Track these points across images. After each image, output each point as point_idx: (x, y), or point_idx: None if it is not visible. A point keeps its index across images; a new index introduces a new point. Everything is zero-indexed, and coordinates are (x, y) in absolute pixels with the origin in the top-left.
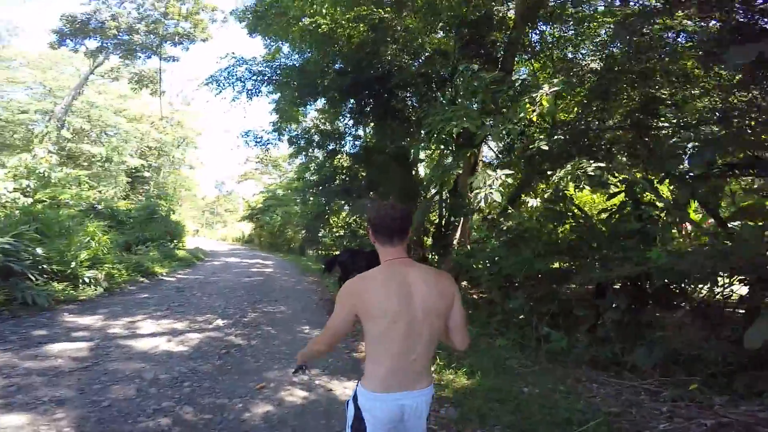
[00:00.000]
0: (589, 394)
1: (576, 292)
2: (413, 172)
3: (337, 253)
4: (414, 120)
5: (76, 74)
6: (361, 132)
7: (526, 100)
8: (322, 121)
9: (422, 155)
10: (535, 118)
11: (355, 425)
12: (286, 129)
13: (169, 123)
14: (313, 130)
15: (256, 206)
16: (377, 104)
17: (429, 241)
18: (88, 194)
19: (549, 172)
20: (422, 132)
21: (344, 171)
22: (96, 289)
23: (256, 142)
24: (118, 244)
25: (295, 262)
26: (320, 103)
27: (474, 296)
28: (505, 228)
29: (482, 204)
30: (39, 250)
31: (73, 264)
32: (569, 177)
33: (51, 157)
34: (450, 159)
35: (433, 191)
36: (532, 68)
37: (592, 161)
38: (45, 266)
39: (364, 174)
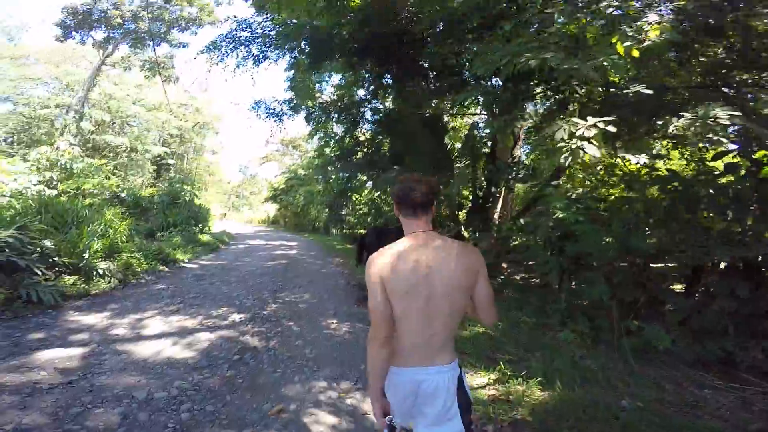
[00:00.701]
0: (711, 406)
1: (657, 276)
2: (445, 140)
3: (363, 232)
4: (447, 75)
5: (90, 67)
6: (382, 98)
7: (628, 30)
8: (340, 94)
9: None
10: (636, 53)
11: None
12: (303, 107)
13: (187, 110)
14: (330, 107)
15: (278, 187)
16: (401, 61)
17: (464, 215)
18: (111, 183)
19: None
20: (461, 87)
21: (366, 144)
22: (110, 282)
23: (268, 113)
24: (140, 231)
25: (321, 242)
26: (336, 78)
27: (518, 279)
28: (588, 196)
29: (568, 162)
30: (47, 243)
31: (86, 255)
32: (696, 127)
33: (73, 148)
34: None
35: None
36: None
37: (725, 106)
38: (56, 259)
39: (387, 145)
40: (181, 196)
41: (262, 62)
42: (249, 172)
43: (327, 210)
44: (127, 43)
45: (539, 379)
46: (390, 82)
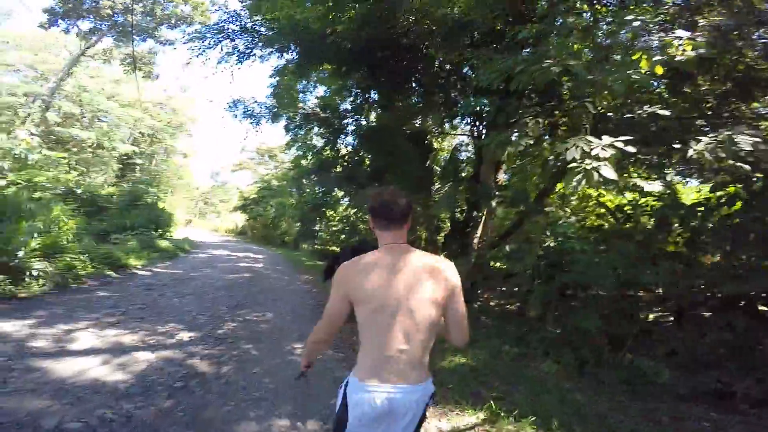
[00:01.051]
0: None
1: (645, 307)
2: (429, 159)
3: (337, 250)
4: (437, 92)
5: (70, 57)
6: (367, 112)
7: (654, 43)
8: (323, 104)
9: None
10: (660, 70)
11: (340, 413)
12: (284, 116)
13: (163, 109)
14: (312, 117)
15: (249, 197)
16: (393, 73)
17: (442, 239)
18: (67, 177)
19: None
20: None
21: (346, 158)
22: (44, 285)
23: (245, 114)
24: (91, 232)
25: (289, 257)
26: (322, 90)
27: (494, 306)
28: (579, 225)
29: (579, 186)
30: None
31: (20, 253)
32: (717, 151)
33: (32, 138)
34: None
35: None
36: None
37: (746, 130)
38: None
39: (369, 160)
40: (143, 198)
41: (246, 59)
42: (220, 179)
43: (299, 224)
44: (112, 36)
45: (533, 418)
46: (376, 96)
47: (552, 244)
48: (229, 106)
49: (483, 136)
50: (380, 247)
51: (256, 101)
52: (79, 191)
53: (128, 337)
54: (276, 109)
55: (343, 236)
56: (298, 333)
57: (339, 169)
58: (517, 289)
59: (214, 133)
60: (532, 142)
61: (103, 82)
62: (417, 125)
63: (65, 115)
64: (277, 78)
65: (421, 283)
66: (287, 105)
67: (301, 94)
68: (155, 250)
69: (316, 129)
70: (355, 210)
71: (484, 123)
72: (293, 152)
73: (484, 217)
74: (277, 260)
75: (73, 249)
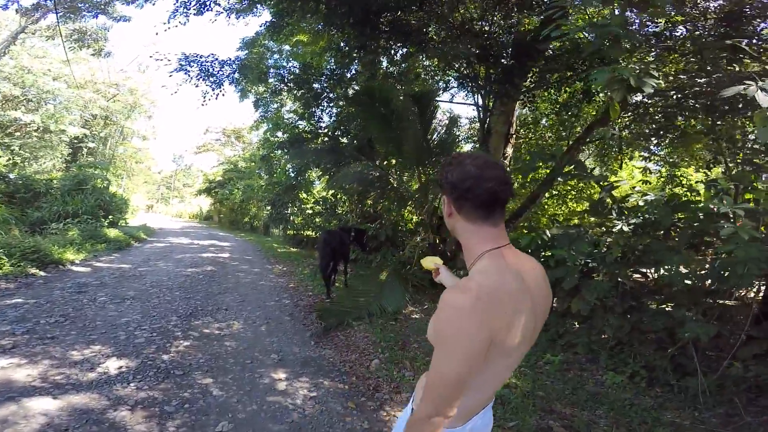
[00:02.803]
0: None
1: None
2: (430, 128)
3: (316, 235)
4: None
5: (8, 35)
6: (362, 69)
7: None
8: (303, 66)
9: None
10: None
11: None
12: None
13: (119, 90)
14: (288, 84)
15: (214, 179)
16: (395, 24)
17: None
18: None
19: None
20: None
21: (327, 129)
22: None
23: (202, 75)
24: (24, 221)
25: (259, 244)
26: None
27: None
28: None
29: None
30: None
31: None
32: None
33: None
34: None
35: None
36: None
37: None
38: None
39: (355, 130)
40: (89, 182)
41: (207, 10)
42: (184, 163)
43: (269, 208)
44: (59, 12)
45: None
46: (370, 53)
47: (624, 228)
48: (180, 65)
49: (491, 106)
50: (491, 256)
51: (216, 59)
52: (11, 176)
53: (25, 370)
54: (244, 79)
55: (318, 219)
56: (278, 352)
57: (318, 141)
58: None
59: (177, 115)
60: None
61: (50, 63)
62: (416, 89)
63: (5, 97)
64: (246, 51)
65: (546, 304)
66: (257, 77)
67: (273, 61)
68: (101, 240)
69: (290, 103)
70: (333, 191)
71: (492, 89)
72: (263, 131)
73: None
74: (245, 248)
75: None
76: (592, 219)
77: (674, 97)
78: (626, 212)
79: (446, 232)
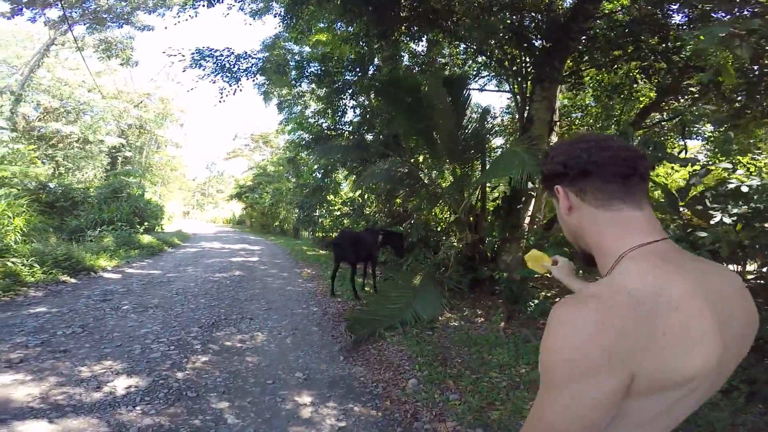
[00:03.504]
0: None
1: None
2: (466, 116)
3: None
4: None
5: (39, 48)
6: (388, 57)
7: None
8: (323, 57)
9: None
10: None
11: None
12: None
13: (151, 100)
14: (310, 78)
15: (244, 184)
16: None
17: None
18: (36, 172)
19: None
20: None
21: (351, 125)
22: None
23: (217, 70)
24: (64, 229)
25: (289, 247)
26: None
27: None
28: None
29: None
30: None
31: None
32: None
33: (1, 133)
34: None
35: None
36: None
37: None
38: None
39: (381, 123)
40: (124, 190)
41: (218, 2)
42: (216, 169)
43: (297, 210)
44: (85, 24)
45: None
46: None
47: (725, 219)
48: (194, 60)
49: (530, 92)
50: (643, 253)
51: (232, 53)
52: (51, 185)
53: (25, 389)
54: (266, 80)
55: (346, 221)
56: (304, 369)
57: (342, 139)
58: None
59: (207, 123)
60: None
61: (82, 74)
62: (447, 73)
63: (45, 109)
64: (266, 53)
65: (747, 335)
66: (278, 77)
67: (294, 63)
68: (134, 247)
69: (313, 104)
70: (360, 192)
71: (530, 74)
72: (288, 133)
73: (536, 193)
74: (275, 251)
75: (22, 250)
76: (665, 214)
77: None
78: (726, 202)
79: (486, 230)
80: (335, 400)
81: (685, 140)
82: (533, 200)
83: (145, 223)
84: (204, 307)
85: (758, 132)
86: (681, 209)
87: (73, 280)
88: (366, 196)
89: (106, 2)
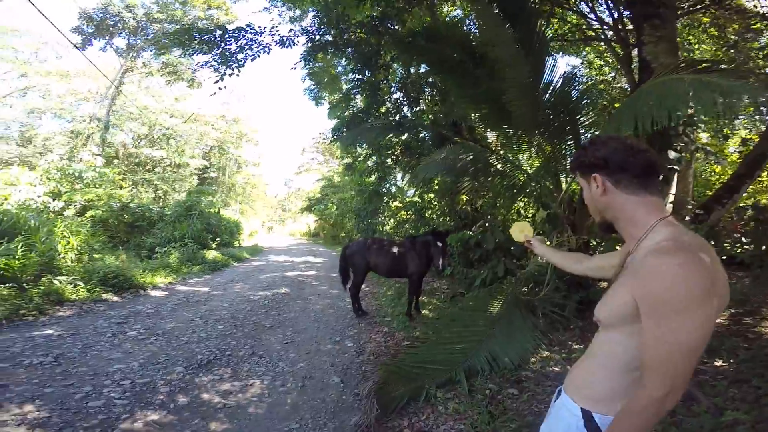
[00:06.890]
0: None
1: None
2: (543, 74)
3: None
4: None
5: (114, 76)
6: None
7: None
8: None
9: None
10: None
11: None
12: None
13: (225, 121)
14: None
15: (314, 196)
16: None
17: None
18: (119, 194)
19: None
20: None
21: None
22: None
23: (279, 41)
24: (137, 247)
25: None
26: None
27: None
28: None
29: None
30: None
31: None
32: None
33: (95, 159)
34: None
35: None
36: None
37: None
38: None
39: (439, 100)
40: (197, 207)
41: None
42: (293, 186)
43: (355, 218)
44: (150, 50)
45: None
46: None
47: None
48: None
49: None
50: (667, 223)
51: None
52: (132, 206)
53: None
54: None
55: (408, 227)
56: None
57: (384, 110)
58: None
59: (280, 141)
60: None
61: (162, 100)
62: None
63: (139, 137)
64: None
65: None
66: (327, 85)
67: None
68: (198, 263)
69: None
70: (416, 191)
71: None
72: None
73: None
74: (336, 264)
75: (73, 269)
76: None
77: None
78: None
79: (591, 228)
80: None
81: None
82: (675, 178)
83: (217, 239)
84: (215, 336)
85: None
86: None
87: (115, 298)
88: (425, 197)
89: (163, 27)
